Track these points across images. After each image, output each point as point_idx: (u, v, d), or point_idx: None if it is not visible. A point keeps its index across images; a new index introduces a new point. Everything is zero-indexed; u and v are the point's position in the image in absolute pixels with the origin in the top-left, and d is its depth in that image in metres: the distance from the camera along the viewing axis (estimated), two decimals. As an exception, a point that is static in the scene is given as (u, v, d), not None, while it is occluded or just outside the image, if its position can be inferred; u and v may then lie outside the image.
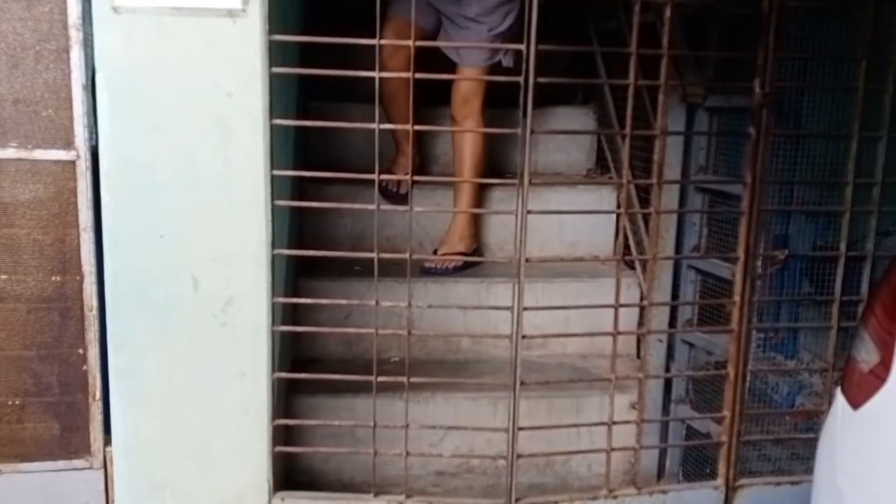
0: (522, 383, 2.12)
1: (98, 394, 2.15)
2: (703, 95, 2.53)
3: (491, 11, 2.75)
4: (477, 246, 3.04)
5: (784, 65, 2.15)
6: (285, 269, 2.34)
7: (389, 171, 3.07)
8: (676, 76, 2.42)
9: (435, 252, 2.96)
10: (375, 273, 2.01)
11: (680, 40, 2.39)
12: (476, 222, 3.05)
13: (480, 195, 3.03)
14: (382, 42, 1.95)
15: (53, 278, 2.10)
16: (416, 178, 2.07)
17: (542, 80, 1.97)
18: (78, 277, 2.09)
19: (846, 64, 2.22)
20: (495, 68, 2.81)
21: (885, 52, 2.19)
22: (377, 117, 1.98)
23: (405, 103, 2.66)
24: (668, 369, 2.71)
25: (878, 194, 2.27)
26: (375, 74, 1.95)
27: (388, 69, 2.62)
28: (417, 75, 2.00)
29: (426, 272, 2.88)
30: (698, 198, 2.64)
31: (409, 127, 2.05)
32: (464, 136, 2.92)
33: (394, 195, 3.05)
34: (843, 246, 2.28)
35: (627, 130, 2.05)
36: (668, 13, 1.98)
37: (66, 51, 2.00)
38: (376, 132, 1.99)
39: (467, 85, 2.85)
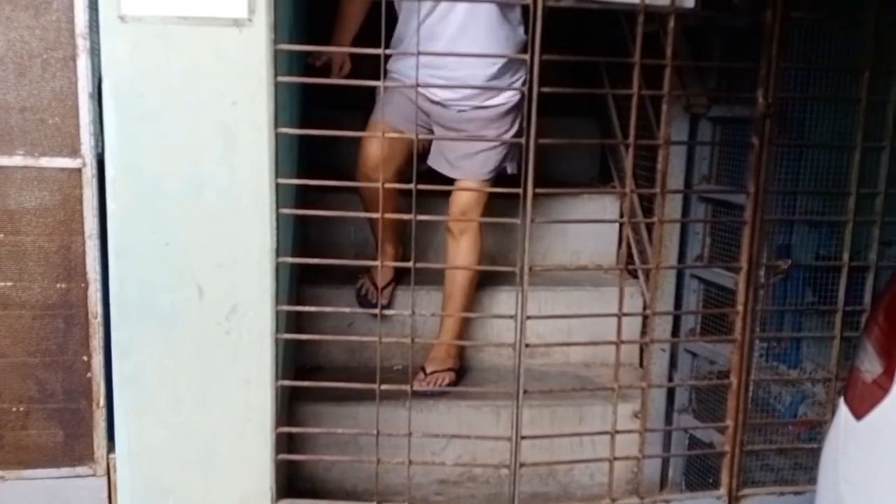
0: (525, 392, 2.12)
1: (102, 401, 2.16)
2: (706, 105, 2.53)
3: (498, 118, 2.58)
4: (462, 365, 2.82)
5: (787, 75, 2.15)
6: (289, 276, 2.35)
7: (368, 275, 2.79)
8: (680, 86, 2.42)
9: (423, 371, 2.70)
10: (379, 281, 2.02)
11: (683, 50, 2.39)
12: (463, 338, 2.83)
13: (473, 304, 2.81)
14: (388, 52, 1.95)
15: (58, 285, 2.11)
16: (421, 185, 2.05)
17: (545, 90, 1.98)
18: (83, 284, 2.10)
19: (849, 75, 2.23)
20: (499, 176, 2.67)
21: (888, 63, 2.20)
22: (382, 127, 1.99)
23: (389, 210, 2.61)
24: (670, 378, 2.71)
25: (881, 204, 2.27)
26: (381, 84, 1.96)
27: (373, 180, 2.45)
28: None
29: (418, 395, 2.56)
30: (701, 207, 2.64)
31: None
32: (458, 249, 2.69)
33: (373, 305, 2.62)
34: (845, 256, 2.28)
35: (631, 140, 2.05)
36: (671, 23, 1.99)
37: (73, 59, 2.02)
38: (382, 141, 2.00)
39: (467, 196, 2.62)
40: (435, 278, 2.72)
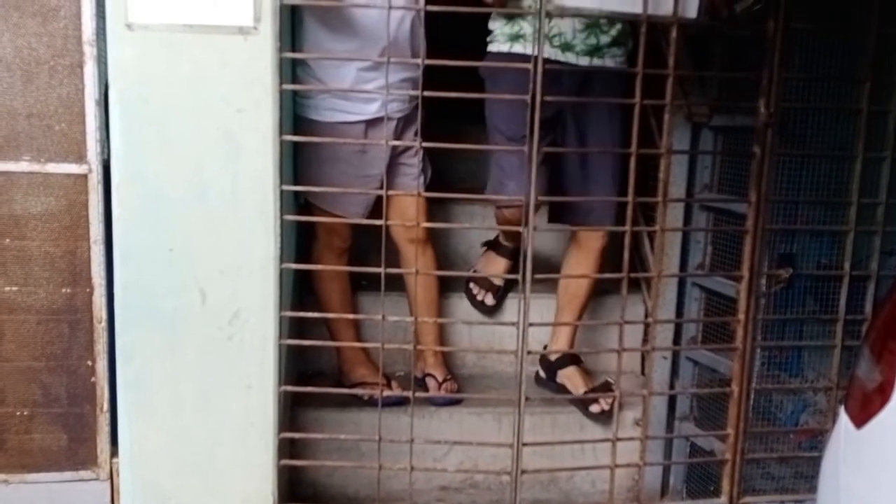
0: (527, 399, 2.13)
1: (106, 405, 2.17)
2: (708, 115, 2.55)
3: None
4: None
5: (789, 85, 2.17)
6: (292, 282, 2.36)
7: (353, 380, 2.73)
8: (682, 95, 2.43)
9: (433, 378, 2.76)
10: (382, 287, 2.03)
11: (685, 60, 2.41)
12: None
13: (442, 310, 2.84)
14: (393, 60, 1.96)
15: (64, 290, 2.12)
16: (426, 194, 2.06)
17: (548, 98, 2.00)
18: (88, 289, 2.12)
19: (850, 85, 2.24)
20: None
21: (889, 74, 2.21)
22: (386, 132, 2.00)
23: (339, 292, 2.68)
24: (672, 386, 2.71)
25: (882, 214, 2.28)
26: (385, 92, 1.98)
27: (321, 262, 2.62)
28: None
29: (436, 403, 2.67)
30: (703, 216, 2.65)
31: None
32: (427, 257, 2.71)
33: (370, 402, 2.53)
34: (847, 265, 2.29)
35: (633, 149, 2.06)
36: (673, 33, 2.01)
37: (80, 66, 2.04)
38: (386, 145, 2.01)
39: (413, 207, 2.57)
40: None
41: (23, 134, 2.05)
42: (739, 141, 2.45)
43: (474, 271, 2.89)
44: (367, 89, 2.37)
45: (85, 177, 2.08)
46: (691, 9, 2.01)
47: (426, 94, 1.94)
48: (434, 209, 2.78)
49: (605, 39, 2.44)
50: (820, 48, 2.26)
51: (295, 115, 2.51)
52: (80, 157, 2.08)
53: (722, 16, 2.17)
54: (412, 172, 2.63)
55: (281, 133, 1.94)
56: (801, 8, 2.08)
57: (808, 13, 2.11)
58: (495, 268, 2.88)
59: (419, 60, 1.98)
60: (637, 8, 1.97)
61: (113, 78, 1.91)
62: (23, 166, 2.07)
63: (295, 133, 2.28)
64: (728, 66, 2.53)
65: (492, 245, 2.93)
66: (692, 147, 2.60)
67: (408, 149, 2.57)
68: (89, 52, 2.03)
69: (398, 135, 2.55)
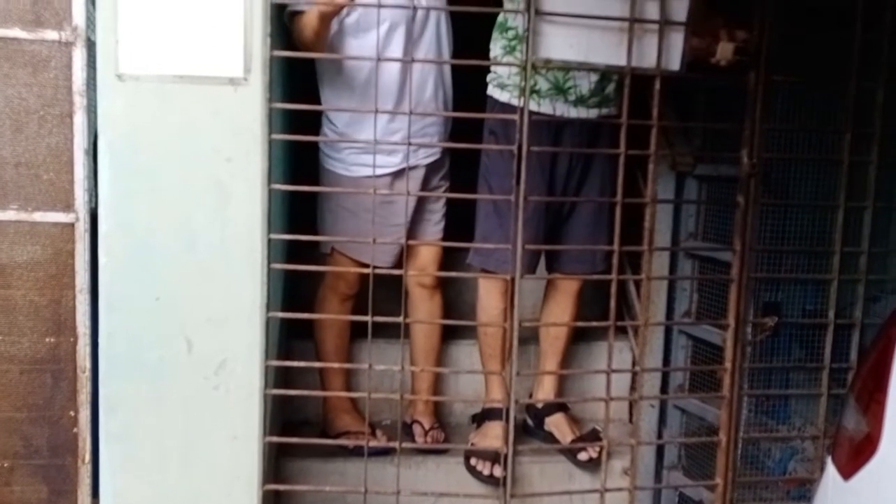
0: (515, 448, 2.11)
1: (88, 457, 2.13)
2: (692, 164, 2.58)
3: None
4: None
5: (771, 136, 2.21)
6: (278, 331, 2.35)
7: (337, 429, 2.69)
8: (666, 145, 2.47)
9: (420, 425, 2.72)
10: (369, 335, 2.02)
11: (669, 111, 2.44)
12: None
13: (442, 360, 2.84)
14: (381, 111, 1.99)
15: (47, 339, 2.10)
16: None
17: (535, 148, 2.02)
18: (72, 339, 2.09)
19: (831, 136, 2.28)
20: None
21: (869, 125, 2.26)
22: (374, 176, 2.01)
23: (336, 338, 2.67)
24: (660, 435, 2.71)
25: (865, 263, 2.31)
26: (373, 141, 2.00)
27: (325, 310, 2.64)
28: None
29: (424, 452, 2.66)
30: (688, 264, 2.67)
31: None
32: (434, 303, 2.73)
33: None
34: (831, 314, 2.31)
35: (619, 198, 2.09)
36: (657, 85, 2.04)
37: (70, 116, 2.04)
38: (374, 199, 2.03)
39: (431, 253, 2.69)
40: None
41: (10, 183, 2.05)
42: (723, 190, 2.49)
43: (472, 444, 2.65)
44: (392, 141, 2.41)
45: (72, 225, 2.07)
46: (674, 61, 2.05)
47: (415, 142, 1.96)
48: (448, 257, 2.75)
49: (611, 87, 2.47)
50: (801, 100, 2.31)
51: (324, 169, 2.58)
52: (68, 206, 2.07)
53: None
54: (433, 219, 2.67)
55: (270, 182, 1.95)
56: (782, 60, 2.13)
57: (789, 65, 2.15)
58: (494, 434, 2.56)
59: (406, 112, 2.01)
60: (621, 60, 2.00)
61: (102, 127, 1.92)
62: (10, 215, 2.06)
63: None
64: (711, 116, 2.58)
65: (482, 415, 2.74)
66: (677, 196, 2.63)
67: (433, 197, 2.62)
68: (79, 101, 2.04)
69: (425, 182, 2.60)
